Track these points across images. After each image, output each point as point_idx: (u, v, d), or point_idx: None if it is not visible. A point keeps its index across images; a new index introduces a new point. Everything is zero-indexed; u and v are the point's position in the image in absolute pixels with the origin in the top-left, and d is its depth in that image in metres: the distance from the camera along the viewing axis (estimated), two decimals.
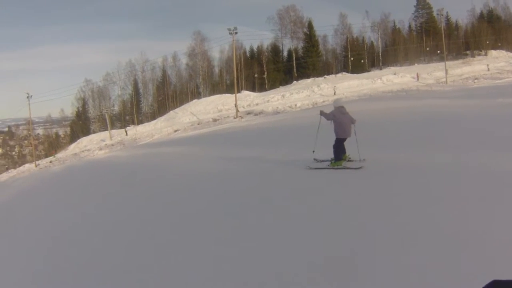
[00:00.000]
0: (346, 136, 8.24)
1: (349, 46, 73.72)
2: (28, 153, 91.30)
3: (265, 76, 72.06)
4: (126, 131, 52.98)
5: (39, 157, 59.00)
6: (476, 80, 43.03)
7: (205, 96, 69.46)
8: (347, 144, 8.40)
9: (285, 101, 45.51)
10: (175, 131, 42.23)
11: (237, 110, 41.08)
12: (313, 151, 8.64)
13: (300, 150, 10.03)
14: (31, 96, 49.48)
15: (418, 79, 50.47)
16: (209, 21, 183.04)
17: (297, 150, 10.12)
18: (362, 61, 72.01)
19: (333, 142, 8.39)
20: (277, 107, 40.56)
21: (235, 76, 43.74)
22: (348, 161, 8.38)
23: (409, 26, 78.78)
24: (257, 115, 38.56)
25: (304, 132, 13.70)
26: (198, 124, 43.01)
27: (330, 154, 8.51)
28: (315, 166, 8.57)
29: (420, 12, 77.16)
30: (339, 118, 8.18)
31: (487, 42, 68.83)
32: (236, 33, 39.99)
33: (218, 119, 42.18)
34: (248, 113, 41.16)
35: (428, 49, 71.00)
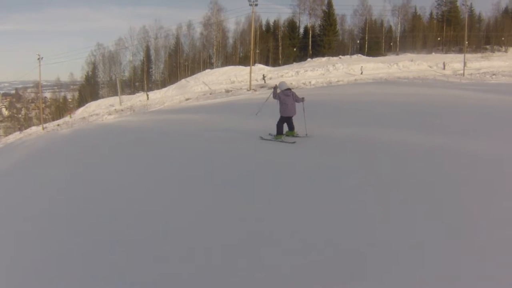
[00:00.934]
0: (289, 115, 9.30)
1: (367, 28, 72.65)
2: (34, 116, 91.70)
3: (279, 51, 71.56)
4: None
5: (46, 120, 59.15)
6: (494, 76, 42.32)
7: (217, 67, 69.29)
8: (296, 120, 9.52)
9: (299, 78, 45.28)
10: (187, 99, 42.11)
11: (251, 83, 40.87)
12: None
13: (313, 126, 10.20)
14: (42, 58, 49.12)
15: (445, 67, 50.04)
16: None
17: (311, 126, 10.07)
18: (379, 44, 71.13)
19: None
20: (291, 83, 40.25)
21: (252, 48, 43.34)
22: (296, 136, 9.49)
23: (430, 14, 77.19)
24: (270, 88, 38.34)
25: (319, 108, 14.29)
26: (211, 94, 42.91)
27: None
28: (267, 138, 9.77)
29: (444, 0, 75.46)
30: (283, 99, 9.19)
31: (509, 38, 67.43)
32: (256, 4, 39.42)
33: (231, 90, 42.07)
34: (262, 86, 40.93)
35: (447, 39, 69.93)
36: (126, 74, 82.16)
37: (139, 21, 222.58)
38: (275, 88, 9.58)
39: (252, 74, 43.48)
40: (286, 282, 3.35)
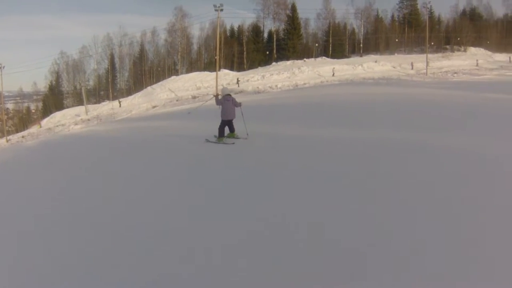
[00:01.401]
0: (227, 118, 10.15)
1: (331, 31, 73.53)
2: None
3: (244, 55, 71.52)
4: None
5: (9, 133, 55.92)
6: (455, 74, 43.68)
7: (182, 73, 68.63)
8: (236, 122, 10.43)
9: (265, 82, 45.13)
10: (154, 107, 41.49)
11: (217, 88, 40.46)
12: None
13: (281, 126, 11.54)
14: (4, 67, 46.87)
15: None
16: None
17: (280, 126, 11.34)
18: (343, 46, 72.36)
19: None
20: (258, 87, 40.13)
21: (218, 54, 42.70)
22: (236, 138, 10.34)
23: (392, 16, 79.15)
24: (237, 93, 37.93)
25: (287, 110, 14.32)
26: (177, 100, 42.27)
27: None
28: (212, 140, 10.47)
29: (405, 3, 77.69)
30: (223, 104, 10.09)
31: (467, 38, 70.41)
32: (221, 10, 39.04)
33: (198, 96, 41.48)
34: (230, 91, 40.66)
35: (409, 40, 71.92)
36: (91, 82, 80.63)
37: (103, 28, 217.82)
38: (216, 96, 11.01)
39: (218, 80, 43.14)
40: (286, 282, 3.36)
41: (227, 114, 10.05)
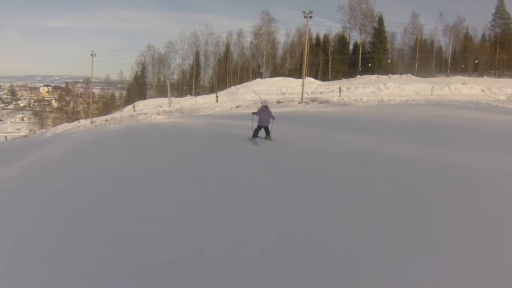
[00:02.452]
0: (263, 124, 12.71)
1: (418, 47, 71.88)
2: (82, 110, 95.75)
3: (329, 65, 72.00)
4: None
5: (93, 115, 60.81)
6: None
7: (266, 77, 70.51)
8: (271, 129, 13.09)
9: (349, 94, 45.70)
10: (237, 106, 42.69)
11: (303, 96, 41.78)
12: (252, 128, 12.97)
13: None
14: (95, 55, 50.54)
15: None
16: (276, 4, 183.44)
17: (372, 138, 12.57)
18: (430, 64, 69.55)
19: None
20: (343, 99, 40.96)
21: (306, 60, 44.05)
22: (270, 140, 12.91)
23: (483, 35, 75.11)
24: (322, 103, 39.03)
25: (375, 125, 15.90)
26: (261, 103, 43.24)
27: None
28: (253, 142, 12.70)
29: (498, 22, 73.42)
30: (260, 113, 12.62)
31: None
32: (311, 17, 39.76)
33: (282, 102, 42.92)
34: (313, 100, 41.78)
35: (500, 62, 68.09)
36: (175, 76, 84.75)
37: (190, 26, 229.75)
38: (254, 113, 13.04)
39: (301, 87, 44.30)
40: (287, 283, 3.86)
41: (262, 121, 12.69)
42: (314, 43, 75.57)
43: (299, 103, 40.50)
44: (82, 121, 52.33)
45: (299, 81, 56.03)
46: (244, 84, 61.91)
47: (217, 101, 50.69)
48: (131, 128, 26.59)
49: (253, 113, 13.13)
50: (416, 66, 70.47)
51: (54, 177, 10.01)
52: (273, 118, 12.90)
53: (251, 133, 12.85)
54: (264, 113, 12.69)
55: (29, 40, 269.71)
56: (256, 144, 12.37)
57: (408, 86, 46.95)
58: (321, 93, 48.55)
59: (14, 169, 11.93)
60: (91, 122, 46.83)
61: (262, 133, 13.00)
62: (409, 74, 62.53)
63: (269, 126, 12.94)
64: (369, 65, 68.76)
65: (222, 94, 57.38)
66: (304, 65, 44.32)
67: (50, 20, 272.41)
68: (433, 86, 45.75)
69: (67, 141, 22.68)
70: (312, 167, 8.93)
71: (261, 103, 13.26)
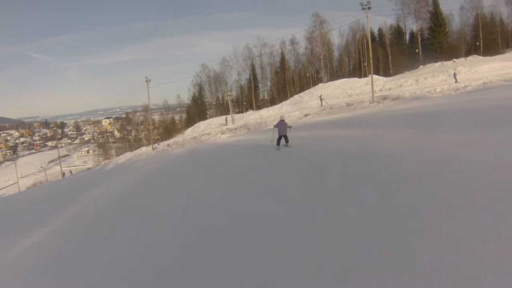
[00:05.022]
0: (282, 134, 15.99)
1: (480, 25, 67.88)
2: (143, 137, 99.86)
3: (389, 59, 70.74)
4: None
5: (155, 141, 61.47)
6: None
7: (326, 81, 70.07)
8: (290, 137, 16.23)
9: (419, 86, 44.65)
10: (305, 115, 41.94)
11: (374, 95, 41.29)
12: (271, 141, 17.11)
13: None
14: (150, 80, 50.88)
15: None
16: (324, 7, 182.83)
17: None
18: (495, 41, 65.92)
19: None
20: (415, 92, 39.99)
21: (371, 56, 43.11)
22: (289, 147, 15.92)
23: None
24: (394, 100, 38.29)
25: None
26: (330, 108, 42.96)
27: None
28: (276, 149, 16.01)
29: None
30: (279, 125, 16.23)
31: None
32: (369, 8, 38.51)
33: (352, 104, 42.36)
34: (384, 98, 41.19)
35: None
36: (234, 93, 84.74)
37: (241, 42, 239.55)
38: (275, 126, 16.68)
39: (369, 86, 43.62)
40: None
41: (281, 131, 15.97)
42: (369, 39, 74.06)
43: (371, 103, 39.83)
44: (143, 148, 52.95)
45: (364, 80, 55.75)
46: (307, 91, 61.70)
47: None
48: (196, 152, 26.25)
49: (274, 126, 16.79)
50: (481, 45, 67.06)
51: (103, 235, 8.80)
52: (290, 127, 16.43)
53: (275, 144, 16.23)
54: (281, 125, 16.11)
55: (89, 78, 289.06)
56: (278, 150, 15.50)
57: (481, 68, 45.11)
58: (389, 89, 47.67)
59: (62, 220, 11.55)
60: (153, 149, 47.22)
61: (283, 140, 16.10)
62: (474, 55, 59.62)
63: (288, 135, 16.07)
64: (430, 52, 66.15)
65: (286, 104, 57.48)
66: (370, 61, 43.64)
67: (106, 56, 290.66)
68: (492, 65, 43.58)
69: (128, 173, 23.03)
70: None
71: (279, 117, 16.74)
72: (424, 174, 7.38)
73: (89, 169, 54.59)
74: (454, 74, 42.92)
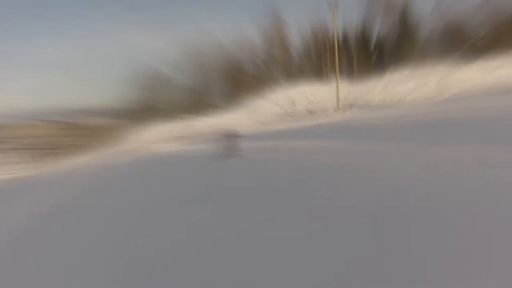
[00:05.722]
0: (229, 145, 15.79)
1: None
2: None
3: (353, 64, 67.29)
4: None
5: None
6: None
7: (283, 85, 66.44)
8: None
9: (388, 94, 40.73)
10: (262, 123, 38.81)
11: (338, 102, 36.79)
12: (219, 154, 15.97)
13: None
14: None
15: None
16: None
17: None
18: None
19: None
20: (384, 100, 35.87)
21: (336, 59, 39.18)
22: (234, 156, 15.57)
23: None
24: (361, 108, 33.91)
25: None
26: (291, 117, 39.17)
27: None
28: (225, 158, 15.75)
29: None
30: (225, 136, 16.00)
31: None
32: (337, 7, 35.51)
33: (315, 112, 37.92)
34: (351, 105, 36.61)
35: None
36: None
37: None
38: (221, 137, 16.04)
39: (334, 93, 39.43)
40: None
41: (228, 142, 15.51)
42: (336, 39, 71.30)
43: (335, 110, 35.19)
44: None
45: (327, 86, 51.64)
46: (263, 96, 57.34)
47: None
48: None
49: (220, 137, 16.01)
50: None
51: None
52: (240, 137, 15.90)
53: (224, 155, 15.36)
54: (229, 136, 15.69)
55: None
56: (228, 161, 13.94)
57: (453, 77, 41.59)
58: (353, 96, 43.37)
59: None
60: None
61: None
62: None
63: (236, 146, 15.41)
64: (394, 57, 62.66)
65: (239, 110, 53.89)
66: (336, 65, 39.42)
67: None
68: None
69: None
70: None
71: (227, 128, 16.92)
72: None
73: None
74: (428, 82, 39.44)
